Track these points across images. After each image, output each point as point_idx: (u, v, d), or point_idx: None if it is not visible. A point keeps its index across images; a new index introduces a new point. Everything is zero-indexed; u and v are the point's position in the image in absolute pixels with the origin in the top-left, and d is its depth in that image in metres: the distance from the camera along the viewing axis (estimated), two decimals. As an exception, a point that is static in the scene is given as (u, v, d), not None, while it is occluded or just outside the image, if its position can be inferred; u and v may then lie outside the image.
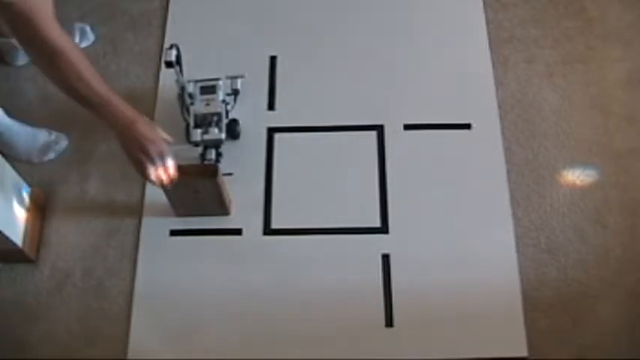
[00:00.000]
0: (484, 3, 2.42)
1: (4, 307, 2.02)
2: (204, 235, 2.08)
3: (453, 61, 2.32)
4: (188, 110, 2.13)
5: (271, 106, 2.28)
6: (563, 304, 1.98)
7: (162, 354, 1.94)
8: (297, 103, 2.28)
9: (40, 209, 2.12)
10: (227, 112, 2.17)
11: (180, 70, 2.09)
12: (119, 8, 2.46)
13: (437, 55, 2.34)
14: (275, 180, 2.15)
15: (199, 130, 2.09)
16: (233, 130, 2.17)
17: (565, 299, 1.98)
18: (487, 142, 2.19)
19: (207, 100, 2.13)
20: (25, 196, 2.07)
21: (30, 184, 2.10)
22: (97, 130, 2.24)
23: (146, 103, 2.26)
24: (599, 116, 2.23)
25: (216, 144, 2.13)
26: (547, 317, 1.96)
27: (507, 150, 2.18)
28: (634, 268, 2.02)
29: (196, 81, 2.16)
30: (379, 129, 2.22)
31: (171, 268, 2.04)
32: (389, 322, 1.95)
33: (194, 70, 2.22)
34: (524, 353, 1.91)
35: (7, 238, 1.94)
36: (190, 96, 2.14)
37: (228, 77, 2.22)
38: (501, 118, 2.22)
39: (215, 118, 2.10)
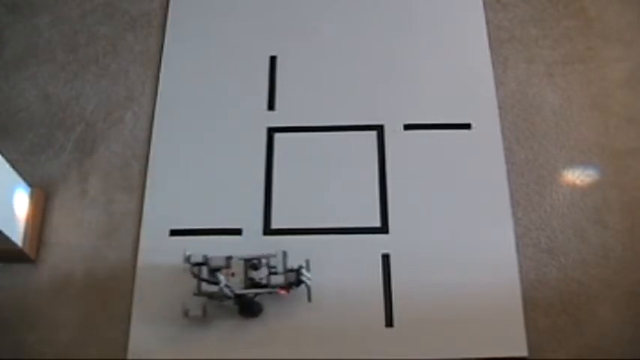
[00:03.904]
0: (484, 3, 2.42)
1: (4, 307, 2.02)
2: (204, 235, 2.08)
3: (453, 61, 2.32)
4: (229, 287, 1.91)
5: (271, 106, 2.28)
6: (563, 304, 1.98)
7: (162, 354, 1.94)
8: (297, 103, 2.28)
9: (40, 209, 2.12)
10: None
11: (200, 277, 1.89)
12: (119, 8, 2.46)
13: (437, 56, 2.34)
14: (275, 180, 2.16)
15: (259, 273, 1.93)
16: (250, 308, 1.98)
17: (565, 299, 1.99)
18: (487, 142, 2.19)
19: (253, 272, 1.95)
20: (25, 196, 2.07)
21: (30, 184, 2.10)
22: (97, 130, 2.24)
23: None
24: (599, 116, 2.23)
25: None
26: (547, 317, 1.96)
27: (507, 150, 2.18)
28: (634, 268, 2.02)
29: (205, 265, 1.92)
30: (379, 129, 2.22)
31: (172, 268, 2.03)
32: (389, 322, 1.95)
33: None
34: (524, 353, 1.91)
35: (7, 238, 1.94)
36: (215, 272, 1.90)
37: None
38: (501, 118, 2.22)
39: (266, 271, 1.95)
